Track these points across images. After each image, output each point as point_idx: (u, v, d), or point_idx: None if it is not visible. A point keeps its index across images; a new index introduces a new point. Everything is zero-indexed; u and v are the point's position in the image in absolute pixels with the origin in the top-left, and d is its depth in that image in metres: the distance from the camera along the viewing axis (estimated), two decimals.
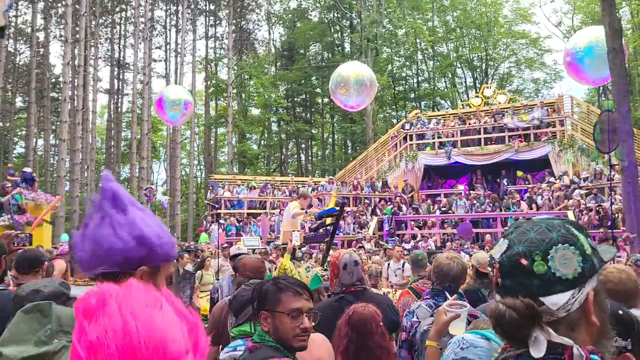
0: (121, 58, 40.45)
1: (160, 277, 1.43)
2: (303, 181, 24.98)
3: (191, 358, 0.81)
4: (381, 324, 2.60)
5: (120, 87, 40.51)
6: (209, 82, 40.92)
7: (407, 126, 23.81)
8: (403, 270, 10.46)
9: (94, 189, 32.82)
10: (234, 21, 38.97)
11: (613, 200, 11.89)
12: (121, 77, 40.61)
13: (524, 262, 1.06)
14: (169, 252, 1.47)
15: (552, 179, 19.38)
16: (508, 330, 1.04)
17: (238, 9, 40.01)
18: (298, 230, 6.48)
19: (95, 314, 0.81)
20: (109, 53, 40.23)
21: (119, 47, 40.73)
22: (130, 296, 0.82)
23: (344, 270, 3.37)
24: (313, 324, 2.08)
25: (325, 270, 4.41)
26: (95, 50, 35.07)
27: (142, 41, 32.29)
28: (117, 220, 1.33)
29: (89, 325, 0.80)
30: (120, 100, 40.63)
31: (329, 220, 7.57)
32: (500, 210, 18.57)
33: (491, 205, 18.96)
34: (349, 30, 40.04)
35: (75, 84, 28.74)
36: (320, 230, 8.21)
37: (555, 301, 1.04)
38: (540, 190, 18.58)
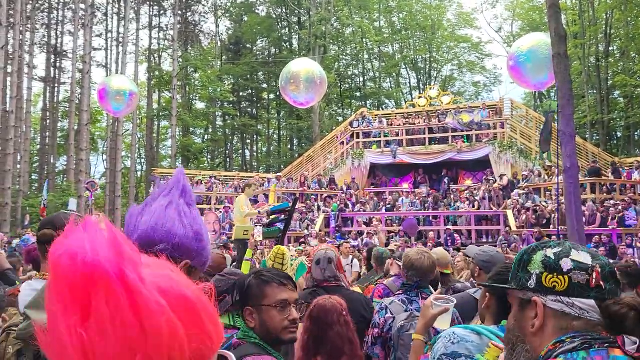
0: (58, 45, 38.64)
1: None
2: (249, 177, 24.73)
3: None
4: (344, 313, 2.53)
5: (56, 76, 38.67)
6: (152, 74, 39.78)
7: (356, 124, 24.03)
8: (352, 266, 10.56)
9: (27, 182, 31.25)
10: (180, 12, 38.02)
11: (557, 200, 12.46)
12: (58, 65, 38.78)
13: None
14: (206, 261, 1.60)
15: (492, 179, 20.07)
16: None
17: (184, 0, 39.09)
18: (261, 226, 6.41)
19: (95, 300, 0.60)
20: (46, 39, 38.32)
21: (56, 34, 38.86)
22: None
23: (316, 265, 3.36)
24: (300, 315, 2.02)
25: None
26: (31, 36, 33.35)
27: (82, 28, 30.92)
28: (184, 210, 1.45)
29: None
30: (57, 89, 38.78)
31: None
32: (443, 209, 19.07)
33: (434, 203, 19.42)
34: (297, 27, 39.94)
35: (9, 70, 27.23)
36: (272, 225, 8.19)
37: None
38: (481, 190, 19.20)
